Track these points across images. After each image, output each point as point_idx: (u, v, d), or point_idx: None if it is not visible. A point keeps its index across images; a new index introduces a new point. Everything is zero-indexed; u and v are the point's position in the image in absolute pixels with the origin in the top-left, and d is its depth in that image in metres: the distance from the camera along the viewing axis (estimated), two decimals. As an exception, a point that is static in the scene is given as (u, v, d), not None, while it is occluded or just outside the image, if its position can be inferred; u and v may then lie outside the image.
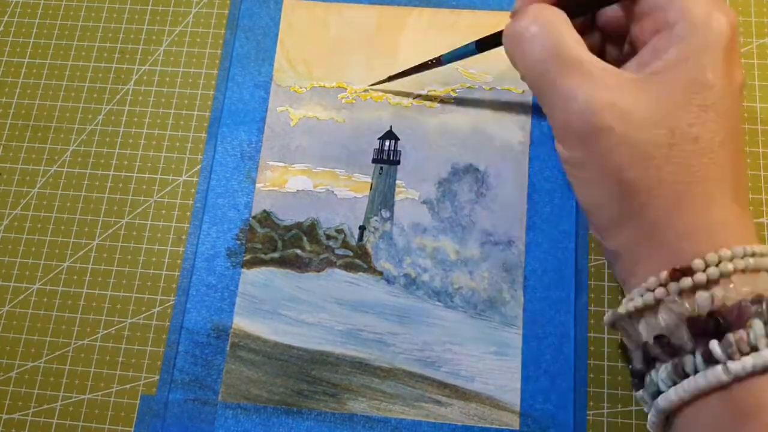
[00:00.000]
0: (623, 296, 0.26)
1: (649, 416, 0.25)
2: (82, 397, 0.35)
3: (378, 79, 0.39)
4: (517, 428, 0.33)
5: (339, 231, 0.37)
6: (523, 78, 0.29)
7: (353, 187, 0.38)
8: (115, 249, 0.37)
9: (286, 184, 0.38)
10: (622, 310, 0.26)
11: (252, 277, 0.36)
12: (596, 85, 0.26)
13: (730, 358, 0.22)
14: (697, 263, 0.23)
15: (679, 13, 0.26)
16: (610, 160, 0.25)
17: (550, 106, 0.27)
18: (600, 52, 0.31)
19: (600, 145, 0.25)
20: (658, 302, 0.24)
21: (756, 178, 0.36)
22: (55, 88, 0.41)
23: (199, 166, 0.39)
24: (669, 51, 0.26)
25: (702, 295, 0.23)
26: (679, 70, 0.25)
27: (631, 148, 0.25)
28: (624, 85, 0.26)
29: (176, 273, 0.37)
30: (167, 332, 0.36)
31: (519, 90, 0.39)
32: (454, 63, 0.40)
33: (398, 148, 0.38)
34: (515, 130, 0.38)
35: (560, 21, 0.28)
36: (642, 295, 0.25)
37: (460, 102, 0.39)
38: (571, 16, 0.28)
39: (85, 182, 0.39)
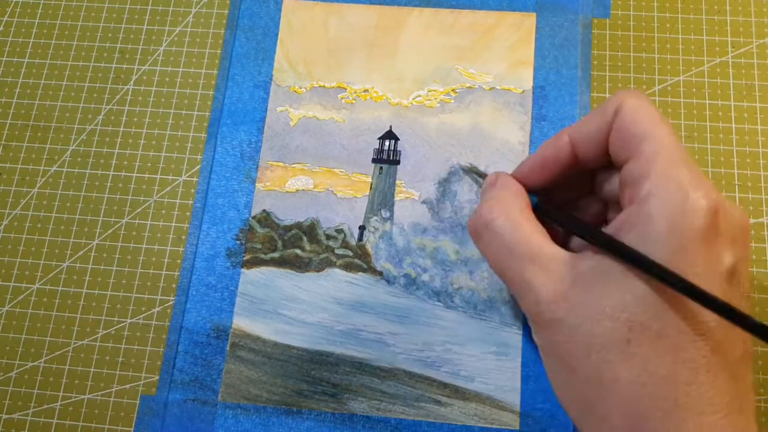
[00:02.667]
0: None
1: None
2: (82, 397, 0.35)
3: (377, 79, 0.39)
4: (517, 428, 0.33)
5: (339, 231, 0.37)
6: (490, 267, 0.29)
7: (353, 186, 0.38)
8: (114, 249, 0.37)
9: (286, 184, 0.38)
10: None
11: (252, 277, 0.36)
12: (549, 278, 0.25)
13: None
14: None
15: (651, 188, 0.23)
16: (564, 351, 0.24)
17: (515, 295, 0.27)
18: (602, 222, 0.30)
19: (555, 337, 0.25)
20: None
21: (756, 178, 0.36)
22: (55, 88, 0.41)
23: (198, 166, 0.39)
24: (634, 230, 0.23)
25: None
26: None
27: (584, 342, 0.23)
28: (580, 274, 0.24)
29: (176, 273, 0.37)
30: (167, 332, 0.36)
31: (519, 90, 0.39)
32: (454, 62, 0.40)
33: (398, 148, 0.38)
34: (515, 130, 0.38)
35: (518, 212, 0.27)
36: None
37: (460, 102, 0.39)
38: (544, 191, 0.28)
39: (85, 182, 0.39)
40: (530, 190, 0.29)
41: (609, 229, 0.25)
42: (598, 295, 0.23)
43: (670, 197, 0.23)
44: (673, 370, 0.22)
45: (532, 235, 0.26)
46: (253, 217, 0.37)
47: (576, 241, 0.30)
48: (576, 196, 0.31)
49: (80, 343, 0.36)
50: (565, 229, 0.28)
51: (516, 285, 0.26)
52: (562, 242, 0.30)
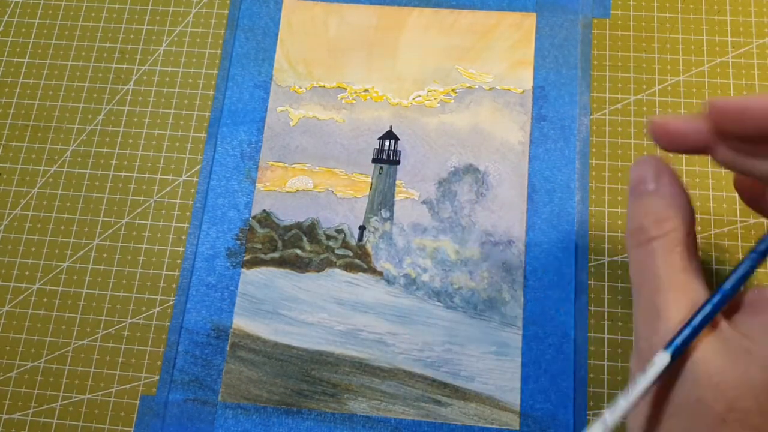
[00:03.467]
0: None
1: None
2: (82, 397, 0.35)
3: (377, 79, 0.39)
4: (517, 428, 0.33)
5: (339, 231, 0.37)
6: (631, 277, 0.27)
7: (353, 187, 0.38)
8: (115, 249, 0.37)
9: (286, 184, 0.38)
10: None
11: (252, 277, 0.36)
12: (684, 314, 0.23)
13: None
14: None
15: None
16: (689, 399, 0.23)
17: (642, 317, 0.25)
18: None
19: (681, 384, 0.23)
20: None
21: (756, 178, 0.36)
22: (55, 88, 0.41)
23: (199, 166, 0.39)
24: None
25: None
26: None
27: (684, 394, 0.22)
28: (718, 331, 0.23)
29: (176, 273, 0.37)
30: (167, 332, 0.36)
31: (519, 90, 0.39)
32: (454, 62, 0.40)
33: (398, 148, 0.38)
34: (515, 130, 0.38)
35: (679, 237, 0.25)
36: None
37: (460, 102, 0.39)
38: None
39: (85, 182, 0.39)
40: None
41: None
42: (714, 363, 0.22)
43: None
44: None
45: (688, 265, 0.25)
46: (253, 217, 0.37)
47: None
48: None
49: (80, 343, 0.36)
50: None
51: (650, 308, 0.25)
52: None
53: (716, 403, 0.21)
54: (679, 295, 0.24)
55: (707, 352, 0.23)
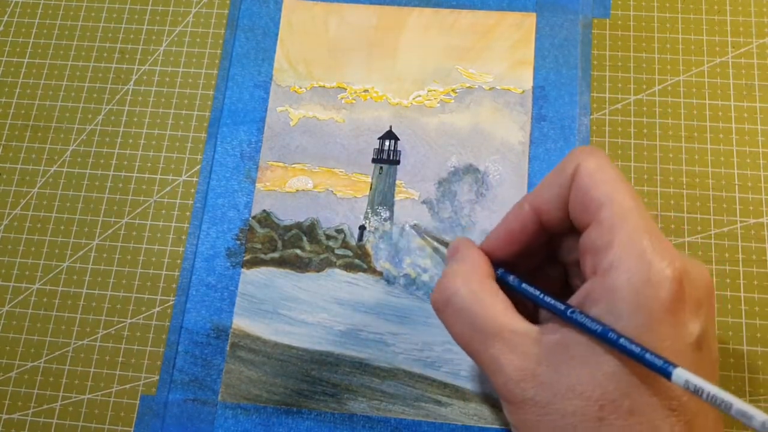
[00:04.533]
0: None
1: None
2: (82, 397, 0.35)
3: (377, 79, 0.39)
4: (517, 428, 0.33)
5: (339, 231, 0.37)
6: (455, 342, 0.28)
7: (353, 187, 0.38)
8: (114, 249, 0.37)
9: (286, 184, 0.38)
10: None
11: (252, 277, 0.36)
12: (516, 355, 0.24)
13: None
14: None
15: (613, 259, 0.23)
16: (535, 430, 0.23)
17: (483, 371, 0.26)
18: (563, 285, 0.29)
19: (526, 415, 0.24)
20: None
21: (756, 178, 0.36)
22: (55, 88, 0.41)
23: (198, 166, 0.39)
24: (599, 304, 0.23)
25: None
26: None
27: (555, 420, 0.23)
28: (547, 350, 0.24)
29: (176, 273, 0.37)
30: (167, 332, 0.36)
31: (519, 90, 0.39)
32: (454, 62, 0.40)
33: (398, 148, 0.38)
34: (515, 130, 0.38)
35: (481, 287, 0.26)
36: None
37: (460, 102, 0.39)
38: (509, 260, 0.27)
39: (85, 182, 0.39)
40: (497, 262, 0.28)
41: (572, 301, 0.24)
42: (567, 371, 0.23)
43: (633, 269, 0.22)
44: None
45: (496, 308, 0.25)
46: (253, 217, 0.37)
47: (543, 311, 0.28)
48: (538, 263, 0.29)
49: (80, 343, 0.36)
50: (530, 301, 0.27)
51: (482, 363, 0.25)
52: (531, 311, 0.28)
53: (587, 410, 0.22)
54: (503, 343, 0.25)
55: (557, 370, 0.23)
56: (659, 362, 0.21)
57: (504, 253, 0.28)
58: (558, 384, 0.23)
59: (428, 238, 0.34)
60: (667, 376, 0.21)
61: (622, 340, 0.22)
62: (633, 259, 0.22)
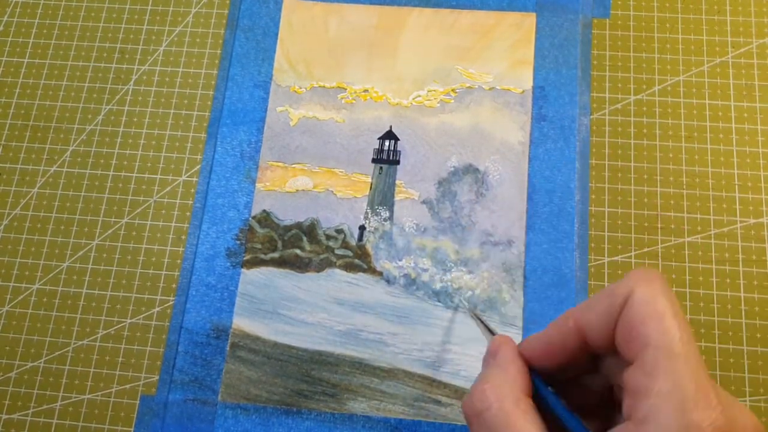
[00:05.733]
0: None
1: None
2: (82, 397, 0.35)
3: (377, 79, 0.39)
4: (517, 428, 0.33)
5: (339, 231, 0.37)
6: None
7: (353, 186, 0.38)
8: (115, 249, 0.37)
9: (286, 184, 0.38)
10: None
11: (252, 277, 0.36)
12: None
13: None
14: None
15: (649, 410, 0.21)
16: None
17: None
18: (605, 398, 0.28)
19: None
20: None
21: (756, 178, 0.36)
22: (55, 88, 0.41)
23: (198, 166, 0.39)
24: None
25: None
26: None
27: None
28: None
29: (176, 273, 0.37)
30: (167, 332, 0.36)
31: (519, 90, 0.39)
32: (454, 62, 0.40)
33: (398, 148, 0.38)
34: (515, 130, 0.38)
35: (514, 405, 0.25)
36: None
37: (460, 102, 0.39)
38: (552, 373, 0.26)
39: (85, 182, 0.39)
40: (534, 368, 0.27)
41: None
42: None
43: (668, 425, 0.21)
44: None
45: (526, 430, 0.24)
46: (253, 217, 0.37)
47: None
48: (581, 373, 0.28)
49: (80, 343, 0.36)
50: (560, 422, 0.25)
51: None
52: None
53: None
54: None
55: None
56: None
57: (542, 363, 0.27)
58: None
59: (482, 325, 0.34)
60: None
61: None
62: (670, 414, 0.21)
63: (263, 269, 0.37)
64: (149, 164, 0.39)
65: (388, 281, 0.36)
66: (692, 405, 0.21)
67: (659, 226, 0.36)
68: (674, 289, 0.35)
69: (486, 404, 0.25)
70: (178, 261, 0.37)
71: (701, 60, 0.39)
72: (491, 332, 0.31)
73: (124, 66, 0.41)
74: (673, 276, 0.35)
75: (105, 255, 0.37)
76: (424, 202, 0.37)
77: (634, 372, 0.23)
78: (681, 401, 0.21)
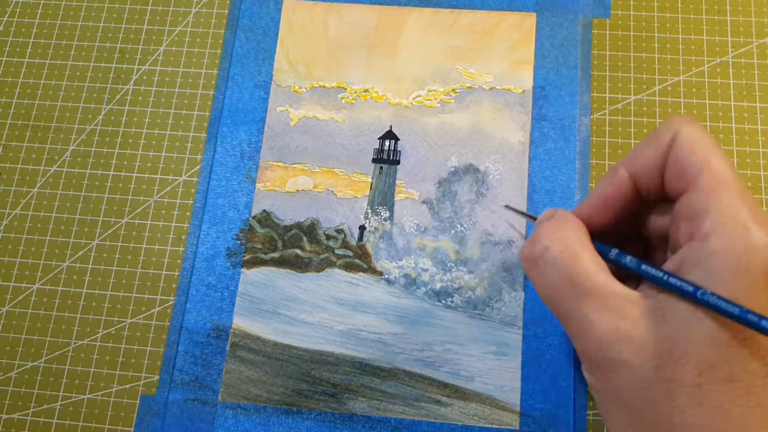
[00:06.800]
0: None
1: None
2: (82, 397, 0.35)
3: (377, 79, 0.39)
4: (517, 428, 0.33)
5: (339, 231, 0.37)
6: (542, 299, 0.27)
7: (353, 186, 0.38)
8: (114, 249, 0.37)
9: (286, 184, 0.38)
10: None
11: (252, 277, 0.36)
12: (612, 315, 0.23)
13: None
14: None
15: (713, 225, 0.22)
16: (628, 396, 0.23)
17: (570, 331, 0.25)
18: (647, 258, 0.29)
19: (618, 380, 0.23)
20: None
21: (756, 178, 0.36)
22: (55, 88, 0.41)
23: (199, 166, 0.39)
24: (696, 269, 0.23)
25: None
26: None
27: (651, 386, 0.22)
28: (645, 313, 0.23)
29: (176, 273, 0.37)
30: (167, 332, 0.36)
31: (519, 90, 0.39)
32: (454, 62, 0.40)
33: (398, 148, 0.38)
34: (515, 130, 0.38)
35: (579, 244, 0.25)
36: None
37: (460, 102, 0.39)
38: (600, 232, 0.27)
39: (85, 182, 0.39)
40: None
41: (669, 266, 0.24)
42: (664, 336, 0.22)
43: (733, 235, 0.22)
44: (744, 415, 0.21)
45: (593, 267, 0.25)
46: (253, 217, 0.37)
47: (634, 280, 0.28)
48: (621, 239, 0.29)
49: (80, 343, 0.36)
50: (626, 269, 0.26)
51: (573, 320, 0.25)
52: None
53: (685, 375, 0.22)
54: (598, 302, 0.24)
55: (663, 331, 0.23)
56: (762, 321, 0.21)
57: (598, 219, 0.27)
58: (656, 348, 0.22)
59: (524, 215, 0.34)
60: None
61: (722, 302, 0.21)
62: (733, 225, 0.22)
63: (263, 269, 0.37)
64: (149, 164, 0.39)
65: (388, 281, 0.36)
66: (751, 219, 0.22)
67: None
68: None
69: (549, 243, 0.26)
70: (178, 261, 0.37)
71: (701, 60, 0.39)
72: (532, 217, 0.31)
73: (124, 66, 0.41)
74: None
75: (105, 255, 0.37)
76: (424, 202, 0.37)
77: (689, 198, 0.24)
78: (741, 216, 0.22)
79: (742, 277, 0.22)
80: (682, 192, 0.24)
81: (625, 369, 0.23)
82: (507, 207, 0.36)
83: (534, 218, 0.31)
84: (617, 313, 0.24)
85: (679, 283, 0.23)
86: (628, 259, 0.26)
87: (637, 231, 0.29)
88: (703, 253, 0.22)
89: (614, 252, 0.26)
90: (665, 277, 0.24)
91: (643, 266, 0.25)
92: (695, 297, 0.22)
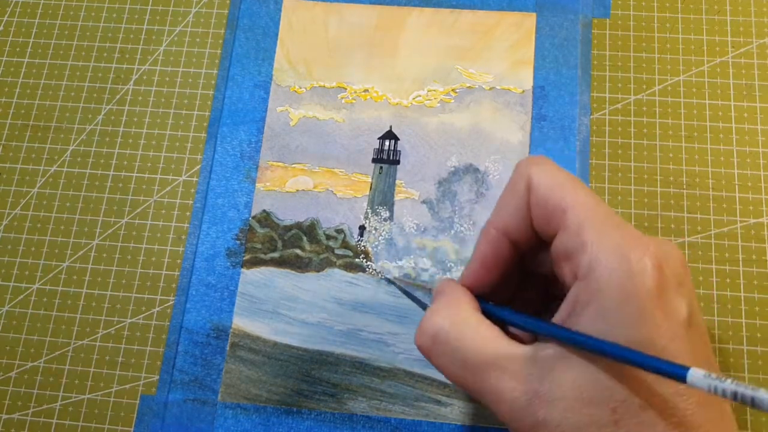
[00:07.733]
0: None
1: None
2: (82, 397, 0.35)
3: (377, 79, 0.39)
4: (517, 428, 0.33)
5: (339, 231, 0.37)
6: (452, 382, 0.27)
7: (353, 186, 0.38)
8: (114, 249, 0.37)
9: (286, 184, 0.38)
10: None
11: (251, 276, 0.36)
12: (517, 379, 0.23)
13: None
14: None
15: (590, 260, 0.22)
16: None
17: (487, 405, 0.25)
18: (540, 308, 0.29)
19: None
20: None
21: (756, 178, 0.36)
22: (55, 88, 0.41)
23: (198, 166, 0.39)
24: (589, 307, 0.22)
25: None
26: (605, 332, 0.22)
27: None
28: (548, 367, 0.23)
29: (176, 273, 0.37)
30: (167, 332, 0.36)
31: (519, 90, 0.39)
32: (454, 62, 0.40)
33: (398, 148, 0.38)
34: (515, 130, 0.38)
35: (466, 319, 0.25)
36: None
37: (460, 102, 0.39)
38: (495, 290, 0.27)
39: (85, 182, 0.39)
40: (478, 295, 0.27)
41: (562, 311, 0.24)
42: (571, 384, 0.22)
43: (612, 265, 0.22)
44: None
45: (484, 336, 0.25)
46: (253, 217, 0.37)
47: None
48: (513, 291, 0.29)
49: (80, 343, 0.36)
50: (516, 327, 0.26)
51: (483, 395, 0.25)
52: (517, 335, 0.28)
53: (602, 416, 0.22)
54: (500, 371, 0.24)
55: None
56: (672, 368, 0.21)
57: (483, 282, 0.27)
58: (566, 399, 0.22)
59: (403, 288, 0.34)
60: (682, 379, 0.20)
61: (627, 353, 0.21)
62: (610, 255, 0.22)
63: (263, 269, 0.37)
64: (149, 164, 0.39)
65: (388, 281, 0.36)
66: (626, 244, 0.22)
67: (659, 226, 0.36)
68: (674, 289, 0.35)
69: (437, 326, 0.26)
70: (178, 261, 0.37)
71: (701, 60, 0.39)
72: (422, 306, 0.31)
73: (124, 66, 0.41)
74: (673, 276, 0.35)
75: (105, 255, 0.37)
76: (424, 202, 0.37)
77: (562, 238, 0.24)
78: (615, 244, 0.22)
79: (632, 305, 0.22)
80: (554, 234, 0.24)
81: (544, 427, 0.23)
82: (389, 281, 0.35)
83: (424, 306, 0.30)
84: (520, 376, 0.23)
85: (567, 334, 0.23)
86: (517, 317, 0.26)
87: (539, 269, 0.29)
88: (589, 290, 0.22)
89: (506, 312, 0.26)
90: (551, 330, 0.24)
91: (529, 322, 0.25)
92: (577, 344, 0.22)
